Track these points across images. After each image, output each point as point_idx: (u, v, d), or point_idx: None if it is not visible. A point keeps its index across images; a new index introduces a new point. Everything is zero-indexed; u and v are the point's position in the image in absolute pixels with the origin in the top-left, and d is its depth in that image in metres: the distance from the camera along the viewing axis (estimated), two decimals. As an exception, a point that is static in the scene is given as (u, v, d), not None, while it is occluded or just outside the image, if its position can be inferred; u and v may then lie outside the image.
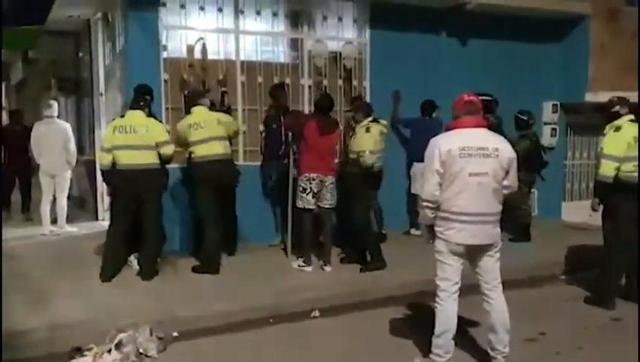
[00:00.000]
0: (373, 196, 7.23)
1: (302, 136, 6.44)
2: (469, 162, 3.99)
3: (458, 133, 4.13)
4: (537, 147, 8.30)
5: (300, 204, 6.44)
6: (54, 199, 8.51)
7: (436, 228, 4.19)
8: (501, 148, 4.11)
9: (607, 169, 5.55)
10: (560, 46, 9.85)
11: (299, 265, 6.53)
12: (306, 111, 7.83)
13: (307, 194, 6.35)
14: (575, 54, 9.70)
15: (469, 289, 4.37)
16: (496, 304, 4.23)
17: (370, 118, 6.79)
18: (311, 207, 6.40)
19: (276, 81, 7.85)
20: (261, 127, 7.73)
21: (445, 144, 4.06)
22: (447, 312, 4.17)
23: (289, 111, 7.39)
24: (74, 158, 8.70)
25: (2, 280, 5.16)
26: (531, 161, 7.95)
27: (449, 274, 4.17)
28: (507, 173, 4.13)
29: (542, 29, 9.45)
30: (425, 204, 4.14)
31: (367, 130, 6.68)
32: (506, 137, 7.07)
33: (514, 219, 7.94)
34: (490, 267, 4.23)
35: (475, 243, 4.11)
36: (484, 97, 7.25)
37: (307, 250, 6.53)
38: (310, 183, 6.34)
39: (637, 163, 5.52)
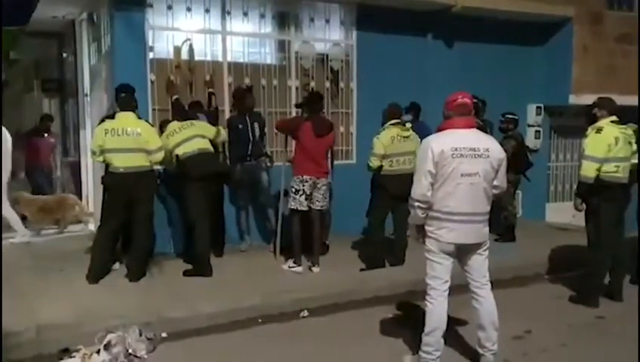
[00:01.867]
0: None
1: (296, 137, 6.41)
2: (461, 163, 4.04)
3: (450, 133, 4.16)
4: (523, 148, 8.40)
5: (292, 205, 6.41)
6: None
7: (427, 228, 4.22)
8: (492, 149, 4.16)
9: (588, 170, 5.64)
10: (544, 49, 9.97)
11: (289, 266, 6.51)
12: (293, 114, 7.85)
13: (300, 195, 6.34)
14: (558, 57, 9.83)
15: (459, 288, 4.41)
16: (485, 302, 4.28)
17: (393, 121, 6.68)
18: (303, 208, 6.38)
19: (263, 82, 7.87)
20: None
21: (438, 145, 4.08)
22: (437, 310, 4.20)
23: (254, 112, 7.36)
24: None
25: (2, 279, 5.11)
26: (517, 161, 8.03)
27: (439, 273, 4.21)
28: (497, 172, 4.18)
29: (526, 32, 9.57)
30: (416, 204, 4.16)
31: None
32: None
33: (500, 220, 8.02)
34: (479, 265, 4.28)
35: (465, 243, 4.16)
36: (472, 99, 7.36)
37: (297, 250, 6.50)
38: (303, 185, 6.33)
39: (618, 164, 5.62)
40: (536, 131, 9.98)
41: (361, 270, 6.65)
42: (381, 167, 6.52)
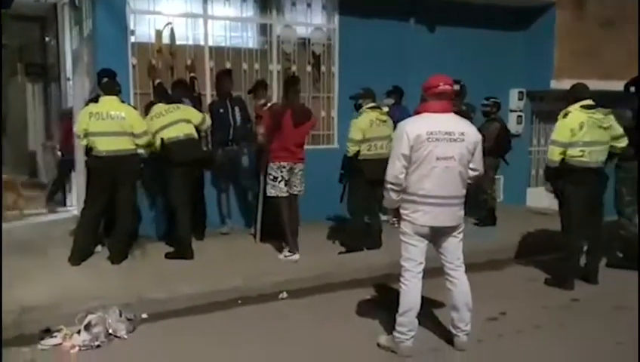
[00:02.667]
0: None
1: (278, 124, 6.31)
2: (436, 146, 4.09)
3: (426, 117, 4.20)
4: (506, 131, 8.51)
5: (272, 192, 6.38)
6: None
7: (402, 211, 4.28)
8: (467, 133, 4.21)
9: (553, 153, 5.84)
10: (526, 33, 10.04)
11: (285, 256, 6.43)
12: (274, 98, 7.87)
13: (279, 182, 6.33)
14: (540, 42, 9.89)
15: (434, 271, 4.49)
16: (459, 283, 4.36)
17: (371, 104, 6.77)
18: (284, 194, 6.38)
19: (245, 66, 7.89)
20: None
21: (413, 128, 4.13)
22: (411, 292, 4.27)
23: (235, 97, 7.40)
24: None
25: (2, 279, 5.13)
26: (500, 145, 8.15)
27: (413, 255, 4.28)
28: (473, 156, 4.24)
29: (508, 16, 9.63)
30: (390, 186, 4.22)
31: (358, 116, 6.72)
32: (472, 123, 7.32)
33: (479, 203, 8.12)
34: (453, 247, 4.36)
35: (440, 225, 4.22)
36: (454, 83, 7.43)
37: (289, 238, 6.44)
38: (281, 171, 6.33)
39: (584, 148, 5.72)
40: (519, 116, 10.07)
41: (340, 253, 6.72)
42: (358, 151, 6.58)
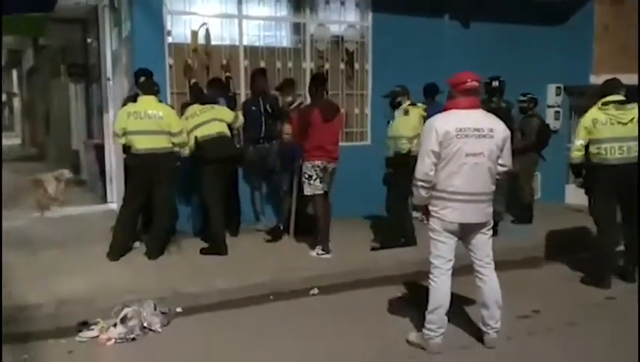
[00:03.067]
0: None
1: (307, 124, 6.37)
2: (465, 143, 4.09)
3: (454, 113, 4.20)
4: (546, 127, 8.45)
5: (309, 191, 6.41)
6: None
7: (431, 208, 4.29)
8: (496, 129, 4.20)
9: (572, 150, 5.97)
10: (564, 28, 9.85)
11: (317, 253, 6.47)
12: (307, 97, 7.92)
13: (314, 180, 6.36)
14: (579, 36, 9.70)
15: (464, 269, 4.51)
16: (488, 280, 4.35)
17: (408, 102, 6.78)
18: (320, 191, 6.41)
19: (279, 65, 7.97)
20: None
21: (442, 125, 4.13)
22: (440, 288, 4.28)
23: (268, 95, 7.37)
24: None
25: (2, 278, 5.33)
26: (540, 141, 8.10)
27: (443, 252, 4.28)
28: (501, 151, 4.23)
29: (546, 11, 9.46)
30: (419, 183, 4.23)
31: (406, 113, 6.69)
32: (513, 119, 7.31)
33: (517, 200, 8.04)
34: (483, 244, 4.35)
35: (469, 222, 4.22)
36: (492, 79, 7.42)
37: (324, 236, 6.50)
38: (315, 170, 6.36)
39: (600, 145, 5.71)
40: (556, 112, 9.90)
41: (372, 249, 6.75)
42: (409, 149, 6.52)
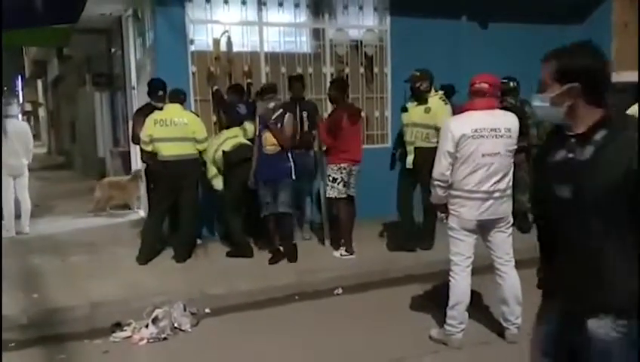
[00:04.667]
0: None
1: (337, 127, 6.41)
2: (481, 143, 4.19)
3: (471, 115, 4.30)
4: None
5: (331, 193, 6.52)
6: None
7: (450, 207, 4.40)
8: (513, 128, 4.31)
9: None
10: (582, 27, 9.82)
11: (341, 254, 6.60)
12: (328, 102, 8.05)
13: (338, 183, 6.46)
14: (598, 35, 9.59)
15: (485, 266, 4.59)
16: (508, 277, 4.45)
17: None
18: (343, 195, 6.51)
19: (299, 70, 8.10)
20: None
21: (458, 127, 4.24)
22: (460, 285, 4.39)
23: (305, 101, 7.40)
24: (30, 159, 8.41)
25: (2, 278, 5.49)
26: None
27: (462, 249, 4.39)
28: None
29: (563, 9, 9.46)
30: (436, 183, 4.35)
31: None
32: (529, 119, 7.33)
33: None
34: (502, 242, 4.44)
35: (486, 218, 4.31)
36: (503, 80, 7.43)
37: (347, 237, 6.62)
38: (341, 173, 6.46)
39: None
40: (576, 111, 9.88)
41: (390, 250, 6.81)
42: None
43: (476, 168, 4.21)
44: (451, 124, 4.32)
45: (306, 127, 7.21)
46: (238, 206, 6.75)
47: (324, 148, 6.82)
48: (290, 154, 6.45)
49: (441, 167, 4.29)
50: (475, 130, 4.20)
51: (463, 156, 4.22)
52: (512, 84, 7.55)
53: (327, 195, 6.63)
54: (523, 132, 7.56)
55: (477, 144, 4.19)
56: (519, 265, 4.51)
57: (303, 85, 7.46)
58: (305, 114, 7.22)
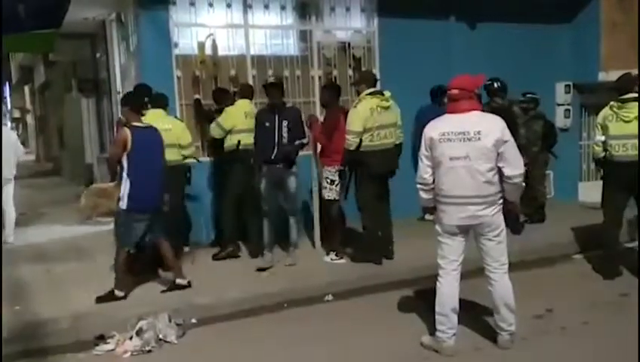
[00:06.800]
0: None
1: (334, 129, 6.29)
2: (448, 147, 4.17)
3: (445, 118, 4.31)
4: (552, 125, 8.41)
5: (330, 195, 6.46)
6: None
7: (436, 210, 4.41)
8: (486, 131, 4.10)
9: (592, 146, 6.24)
10: (571, 26, 9.80)
11: (331, 259, 6.51)
12: (317, 103, 7.98)
13: (336, 185, 6.40)
14: (586, 34, 9.66)
15: (477, 271, 4.55)
16: (498, 285, 4.35)
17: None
18: (338, 198, 6.48)
19: (287, 73, 8.01)
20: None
21: (429, 130, 4.31)
22: (446, 289, 4.35)
23: (285, 107, 6.51)
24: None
25: (2, 279, 5.43)
26: (547, 140, 8.08)
27: (447, 253, 4.36)
28: (498, 155, 4.11)
29: (552, 9, 9.42)
30: (418, 186, 4.41)
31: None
32: (516, 120, 7.28)
33: (529, 200, 8.01)
34: (491, 250, 4.33)
35: (462, 224, 4.25)
36: (487, 82, 7.43)
37: (337, 242, 6.58)
38: (336, 175, 6.41)
39: (612, 141, 5.77)
40: (566, 110, 9.85)
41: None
42: (360, 143, 6.07)
43: (446, 172, 4.21)
44: (427, 128, 4.36)
45: (285, 139, 6.29)
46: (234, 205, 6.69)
47: (318, 151, 6.75)
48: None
49: (420, 169, 4.39)
50: (443, 134, 4.20)
51: (435, 159, 4.26)
52: (495, 85, 7.48)
53: (326, 197, 6.54)
54: (511, 132, 7.60)
55: (444, 147, 4.18)
56: (512, 267, 4.45)
57: (282, 91, 6.60)
58: (285, 123, 6.27)
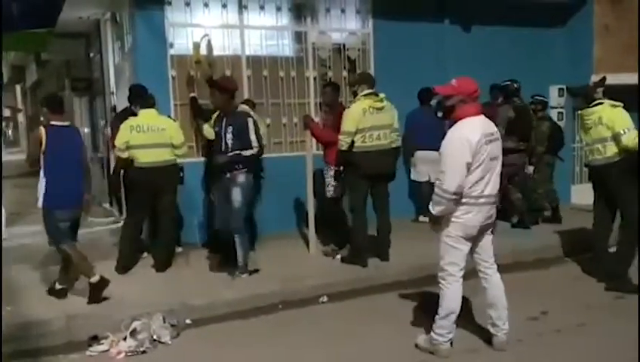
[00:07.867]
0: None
1: (339, 128, 6.19)
2: (491, 148, 4.15)
3: (473, 121, 4.15)
4: (558, 129, 8.50)
5: (334, 194, 6.56)
6: None
7: (452, 215, 4.19)
8: (497, 132, 4.30)
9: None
10: (564, 29, 9.87)
11: (332, 249, 6.67)
12: (312, 103, 7.99)
13: (339, 183, 6.48)
14: (579, 37, 9.74)
15: (469, 273, 4.47)
16: (493, 280, 4.39)
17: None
18: (338, 196, 6.57)
19: (282, 74, 8.01)
20: (268, 120, 7.89)
21: (470, 134, 4.06)
22: (453, 295, 4.27)
23: (235, 112, 6.01)
24: None
25: (2, 280, 5.38)
26: (555, 142, 8.15)
27: (458, 259, 4.25)
28: None
29: (545, 13, 9.47)
30: (453, 197, 4.09)
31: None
32: (531, 121, 7.58)
33: (527, 203, 8.04)
34: (488, 245, 4.41)
35: (484, 224, 4.27)
36: (506, 82, 7.75)
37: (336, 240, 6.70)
38: (341, 172, 6.42)
39: (592, 146, 5.81)
40: (559, 113, 9.90)
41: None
42: (352, 144, 6.03)
43: (484, 173, 4.14)
44: (464, 133, 4.09)
45: (229, 147, 5.85)
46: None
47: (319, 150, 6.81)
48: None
49: (458, 179, 4.06)
50: (484, 135, 4.11)
51: (477, 162, 4.08)
52: (515, 85, 7.81)
53: (328, 195, 6.58)
54: (527, 133, 7.70)
55: (487, 149, 4.11)
56: (506, 269, 4.47)
57: (233, 96, 6.02)
58: (230, 129, 5.85)
